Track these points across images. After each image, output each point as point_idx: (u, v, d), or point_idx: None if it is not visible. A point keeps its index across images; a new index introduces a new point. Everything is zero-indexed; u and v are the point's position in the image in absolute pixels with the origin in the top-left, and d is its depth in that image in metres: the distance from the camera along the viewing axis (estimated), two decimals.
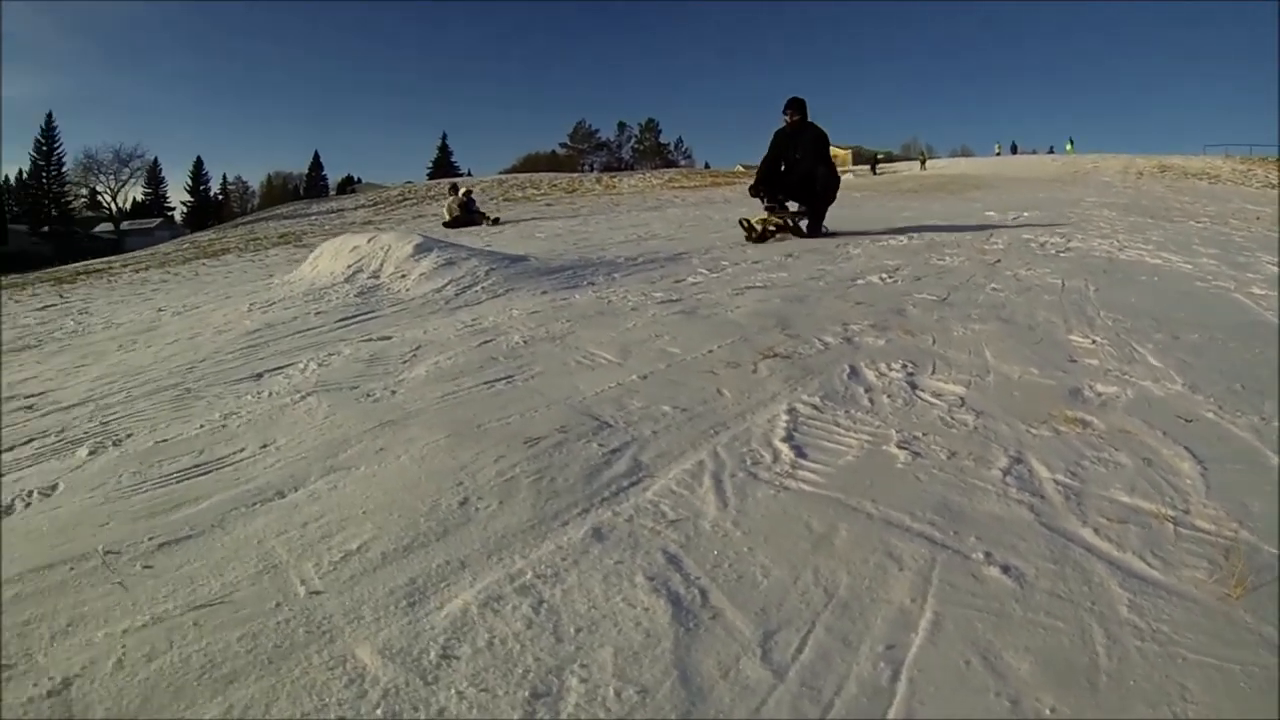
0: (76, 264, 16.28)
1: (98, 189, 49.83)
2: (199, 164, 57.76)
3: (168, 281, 7.63)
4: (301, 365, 2.48)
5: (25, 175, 48.69)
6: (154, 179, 54.92)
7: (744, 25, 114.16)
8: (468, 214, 11.81)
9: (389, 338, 2.71)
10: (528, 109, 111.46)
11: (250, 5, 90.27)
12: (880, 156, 36.37)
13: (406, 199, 24.41)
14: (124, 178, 50.13)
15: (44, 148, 48.31)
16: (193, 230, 34.75)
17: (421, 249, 4.12)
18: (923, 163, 31.62)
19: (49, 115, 49.22)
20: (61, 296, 7.29)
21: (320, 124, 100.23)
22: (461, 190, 13.17)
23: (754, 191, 5.99)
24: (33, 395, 2.62)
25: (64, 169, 49.05)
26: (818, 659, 0.87)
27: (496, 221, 11.54)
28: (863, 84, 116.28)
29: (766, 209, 5.86)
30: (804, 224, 5.87)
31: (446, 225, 10.37)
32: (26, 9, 77.45)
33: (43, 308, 6.33)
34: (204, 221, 40.62)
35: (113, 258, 18.22)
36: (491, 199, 20.55)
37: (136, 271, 10.11)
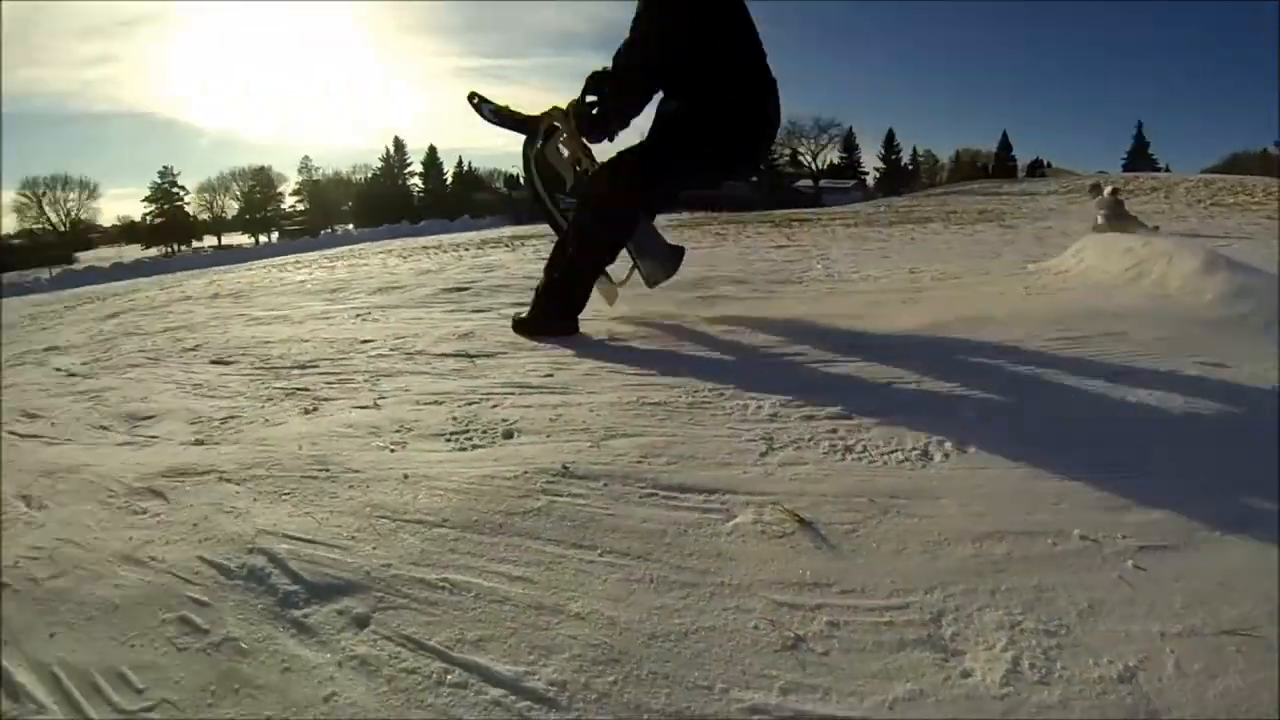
0: (785, 210, 19.43)
1: (799, 150, 63.47)
2: (890, 135, 64.12)
3: (888, 242, 8.07)
4: None
5: None
6: (849, 145, 63.44)
7: None
8: (1118, 219, 9.86)
9: None
10: (1236, 100, 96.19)
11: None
12: None
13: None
14: (822, 142, 63.72)
15: None
16: (884, 194, 38.58)
17: (1210, 265, 3.51)
18: None
19: None
20: (789, 239, 8.42)
21: (1010, 104, 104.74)
22: (1107, 189, 11.15)
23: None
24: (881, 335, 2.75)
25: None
26: None
27: (1156, 230, 9.58)
28: None
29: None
30: None
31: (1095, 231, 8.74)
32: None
33: (778, 247, 7.35)
34: (894, 187, 44.60)
35: (817, 210, 21.35)
36: (1197, 201, 18.24)
37: (845, 226, 11.29)
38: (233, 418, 2.22)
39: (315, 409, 2.22)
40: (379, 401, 2.25)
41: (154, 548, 1.41)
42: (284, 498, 1.54)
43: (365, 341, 3.23)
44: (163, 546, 1.41)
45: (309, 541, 1.34)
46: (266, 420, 2.16)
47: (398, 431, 1.94)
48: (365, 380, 2.53)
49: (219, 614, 1.18)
